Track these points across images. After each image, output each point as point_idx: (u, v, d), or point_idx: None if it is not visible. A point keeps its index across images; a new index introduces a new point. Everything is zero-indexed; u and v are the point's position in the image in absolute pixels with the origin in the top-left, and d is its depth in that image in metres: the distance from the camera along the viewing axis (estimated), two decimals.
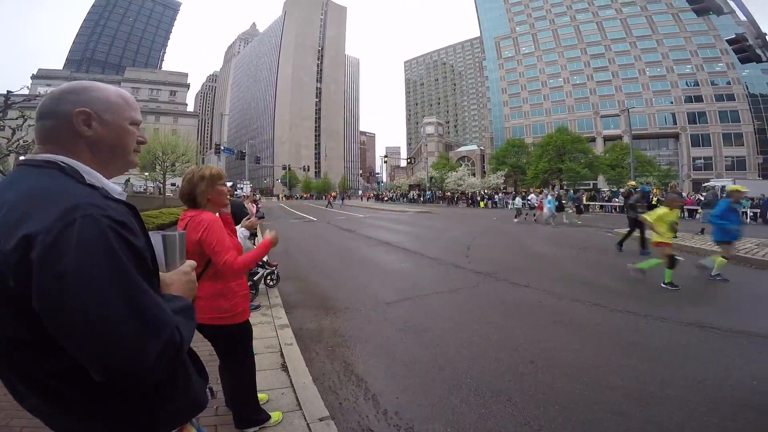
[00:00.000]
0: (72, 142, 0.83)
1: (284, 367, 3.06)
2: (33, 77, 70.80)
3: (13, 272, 0.67)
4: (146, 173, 39.31)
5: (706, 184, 28.09)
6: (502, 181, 49.23)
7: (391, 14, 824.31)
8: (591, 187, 43.10)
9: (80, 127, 0.83)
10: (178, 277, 0.98)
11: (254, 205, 9.25)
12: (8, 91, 10.87)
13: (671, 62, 56.82)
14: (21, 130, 11.96)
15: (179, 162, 40.50)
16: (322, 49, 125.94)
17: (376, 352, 3.55)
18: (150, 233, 0.92)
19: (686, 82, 55.36)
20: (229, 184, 3.44)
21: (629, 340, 3.77)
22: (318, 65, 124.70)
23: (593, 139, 56.25)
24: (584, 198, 29.56)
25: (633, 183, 13.25)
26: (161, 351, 0.72)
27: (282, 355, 3.30)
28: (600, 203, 29.64)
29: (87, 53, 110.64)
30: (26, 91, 11.88)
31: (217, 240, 1.91)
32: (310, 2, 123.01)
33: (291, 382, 2.81)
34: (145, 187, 40.38)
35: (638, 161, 36.99)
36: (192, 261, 1.07)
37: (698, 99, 53.90)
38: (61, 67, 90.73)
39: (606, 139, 57.02)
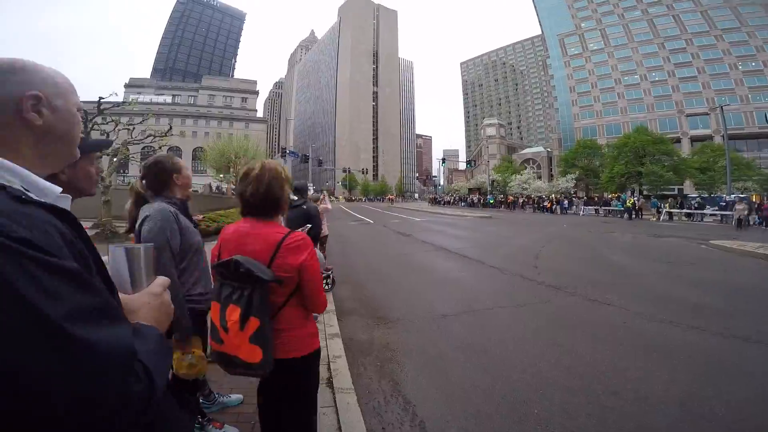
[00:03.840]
0: (14, 136, 0.62)
1: (329, 383, 2.84)
2: (125, 86, 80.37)
3: None
4: (221, 175, 42.50)
5: None
6: (572, 184, 45.80)
7: (444, 17, 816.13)
8: (676, 192, 38.48)
9: (29, 114, 0.62)
10: (146, 299, 0.75)
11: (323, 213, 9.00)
12: (99, 98, 11.86)
13: None
14: (114, 134, 13.19)
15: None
16: (376, 52, 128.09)
17: (427, 372, 3.20)
18: (111, 247, 0.78)
19: None
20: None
21: (733, 368, 3.19)
22: (374, 69, 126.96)
23: (678, 140, 50.49)
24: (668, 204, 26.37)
25: None
26: (113, 409, 0.50)
27: (329, 368, 3.09)
28: (687, 211, 25.95)
29: (169, 63, 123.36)
30: (115, 98, 13.01)
31: (318, 273, 1.49)
32: (362, 7, 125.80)
33: (335, 400, 2.58)
34: (219, 186, 43.79)
35: (734, 164, 32.27)
36: (164, 278, 0.82)
37: None
38: (148, 76, 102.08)
39: (693, 139, 51.04)
